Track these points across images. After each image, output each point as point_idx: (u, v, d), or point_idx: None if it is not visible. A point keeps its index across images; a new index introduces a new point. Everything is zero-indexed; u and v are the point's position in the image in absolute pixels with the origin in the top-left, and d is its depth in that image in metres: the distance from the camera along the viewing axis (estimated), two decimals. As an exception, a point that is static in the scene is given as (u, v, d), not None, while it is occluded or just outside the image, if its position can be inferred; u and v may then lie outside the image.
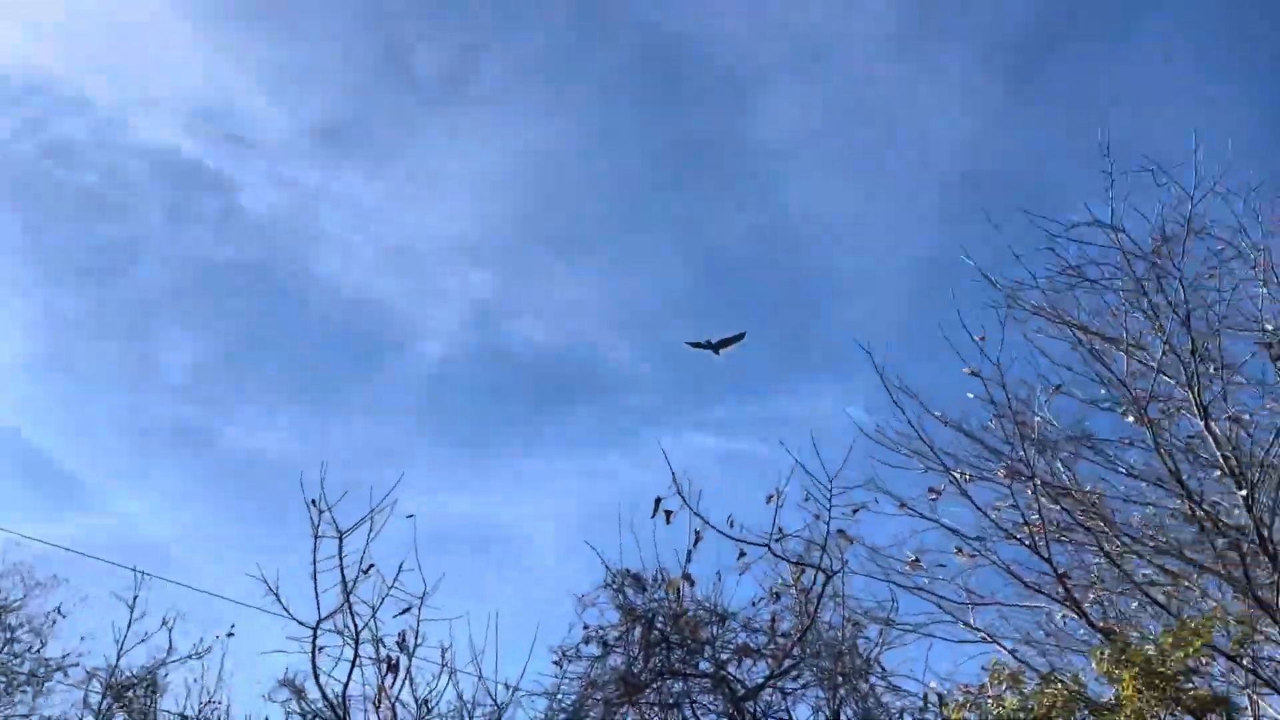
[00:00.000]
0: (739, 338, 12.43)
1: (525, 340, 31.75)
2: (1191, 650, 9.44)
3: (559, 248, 32.62)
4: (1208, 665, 10.16)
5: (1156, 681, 9.33)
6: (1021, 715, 9.96)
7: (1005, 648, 11.82)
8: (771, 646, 11.94)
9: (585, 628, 12.09)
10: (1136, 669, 9.35)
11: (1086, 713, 9.92)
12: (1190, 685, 9.49)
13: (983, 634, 12.21)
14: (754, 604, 12.12)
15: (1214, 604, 11.09)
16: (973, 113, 28.78)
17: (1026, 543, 11.70)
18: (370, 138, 30.11)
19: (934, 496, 12.51)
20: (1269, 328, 12.18)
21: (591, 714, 11.95)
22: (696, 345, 12.30)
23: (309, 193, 30.64)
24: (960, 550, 12.16)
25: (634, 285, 32.50)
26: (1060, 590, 11.68)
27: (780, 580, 12.09)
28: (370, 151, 30.29)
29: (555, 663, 11.96)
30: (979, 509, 12.12)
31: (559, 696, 12.10)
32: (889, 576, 12.34)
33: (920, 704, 11.37)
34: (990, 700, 10.05)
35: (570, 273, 31.85)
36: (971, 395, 12.61)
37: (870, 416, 12.59)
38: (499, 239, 32.37)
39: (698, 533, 12.02)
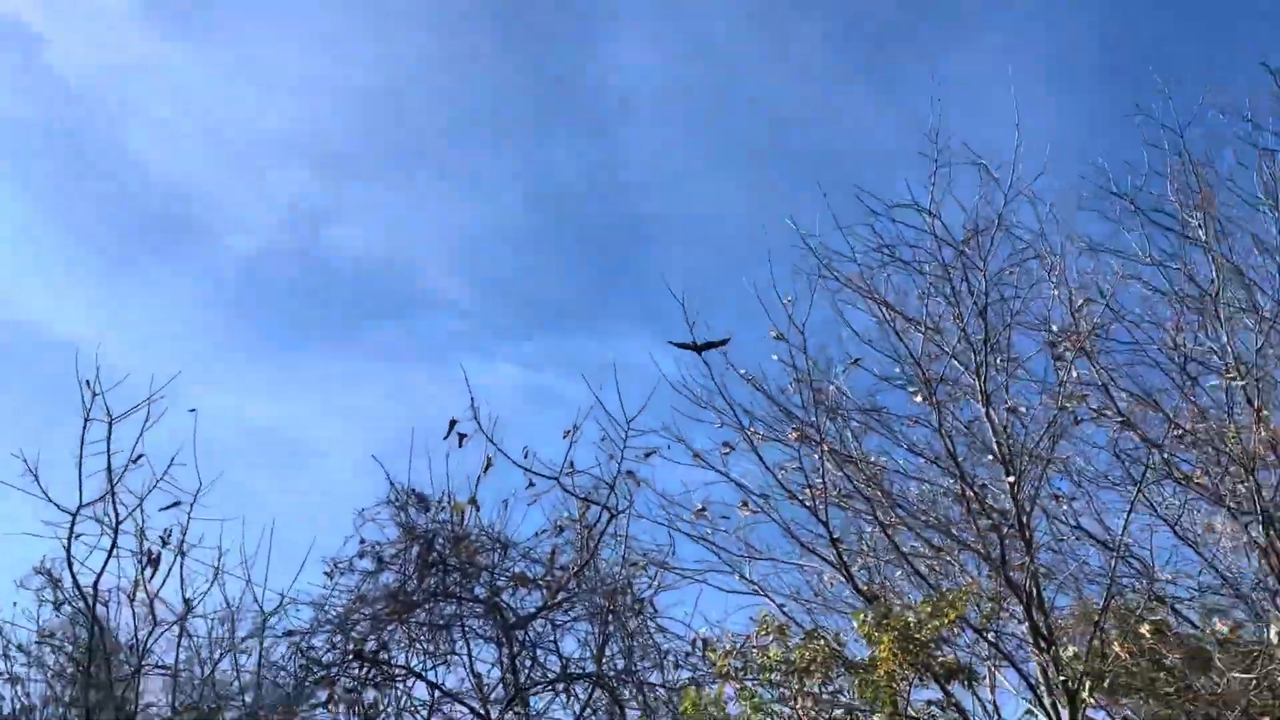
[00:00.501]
0: (723, 342, 12.41)
1: (344, 249, 30.66)
2: (946, 621, 10.01)
3: (390, 161, 31.56)
4: (957, 636, 10.78)
5: (911, 647, 9.87)
6: (783, 666, 10.36)
7: (775, 602, 12.29)
8: (548, 578, 12.03)
9: (362, 542, 11.87)
10: (895, 633, 9.83)
11: (843, 669, 10.39)
12: (940, 653, 10.06)
13: (755, 587, 12.65)
14: (537, 535, 12.19)
15: (970, 579, 11.78)
16: (819, 84, 29.32)
17: (807, 505, 12.11)
18: (207, 13, 28.10)
19: (726, 451, 12.83)
20: (1054, 328, 12.89)
21: (358, 628, 11.76)
22: (679, 345, 12.20)
23: (130, 63, 28.41)
24: (745, 505, 12.49)
25: (462, 209, 31.85)
26: (833, 553, 12.17)
27: (566, 515, 12.19)
28: (203, 29, 28.30)
29: (327, 574, 11.70)
30: (767, 468, 12.50)
31: (325, 608, 11.85)
32: (673, 523, 12.60)
33: (688, 647, 11.70)
34: (755, 650, 10.39)
35: (398, 187, 30.87)
36: (776, 357, 12.92)
37: (676, 366, 12.74)
38: (329, 143, 30.98)
39: (489, 459, 11.95)
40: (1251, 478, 10.99)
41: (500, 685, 11.55)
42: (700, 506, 12.76)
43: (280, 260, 31.99)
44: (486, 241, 30.76)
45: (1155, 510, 12.60)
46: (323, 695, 11.04)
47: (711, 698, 11.01)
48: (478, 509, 12.01)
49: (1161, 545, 12.59)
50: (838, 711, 10.55)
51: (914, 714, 10.63)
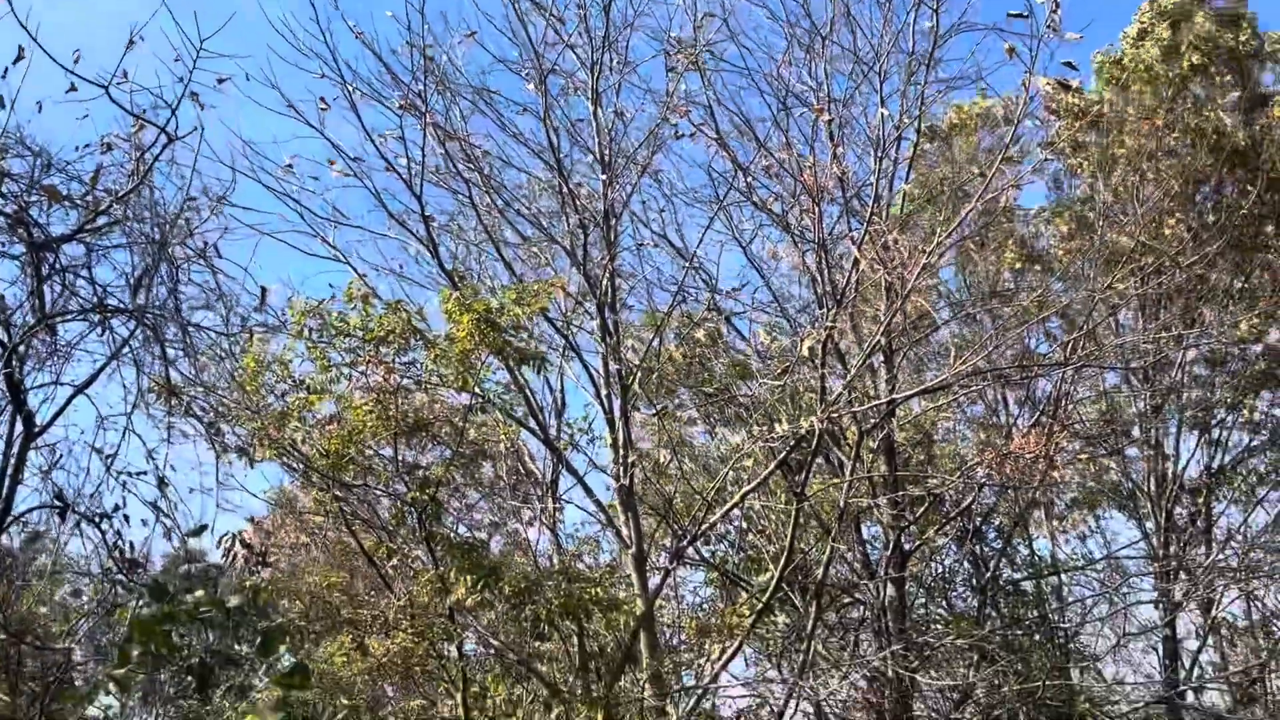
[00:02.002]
0: None
1: None
2: (528, 311, 10.41)
3: None
4: (534, 325, 11.26)
5: (489, 330, 10.18)
6: (361, 334, 10.38)
7: (357, 271, 12.08)
8: (88, 198, 11.08)
9: None
10: (476, 316, 10.09)
11: (421, 342, 10.60)
12: (518, 339, 10.50)
13: (338, 253, 12.39)
14: (79, 149, 11.05)
15: (555, 274, 12.27)
16: None
17: (403, 176, 11.90)
18: None
19: (324, 107, 12.13)
20: (673, 38, 13.08)
21: None
22: None
23: None
24: (334, 163, 11.99)
25: None
26: (423, 230, 12.15)
27: (118, 134, 11.12)
28: None
29: None
30: (366, 133, 12.03)
31: None
32: (258, 175, 11.88)
33: (255, 300, 11.27)
34: (334, 314, 10.30)
35: None
36: (390, 14, 12.21)
37: (279, 5, 11.69)
38: None
39: (21, 48, 10.48)
40: (816, 209, 12.06)
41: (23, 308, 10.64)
42: (288, 162, 12.08)
43: None
44: None
45: (732, 230, 13.63)
46: None
47: (278, 355, 10.89)
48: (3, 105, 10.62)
49: (732, 264, 13.74)
50: (407, 381, 10.80)
51: (480, 392, 11.16)
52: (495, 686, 12.49)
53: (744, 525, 14.49)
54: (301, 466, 10.90)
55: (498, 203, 12.92)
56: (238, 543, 8.77)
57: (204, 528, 6.21)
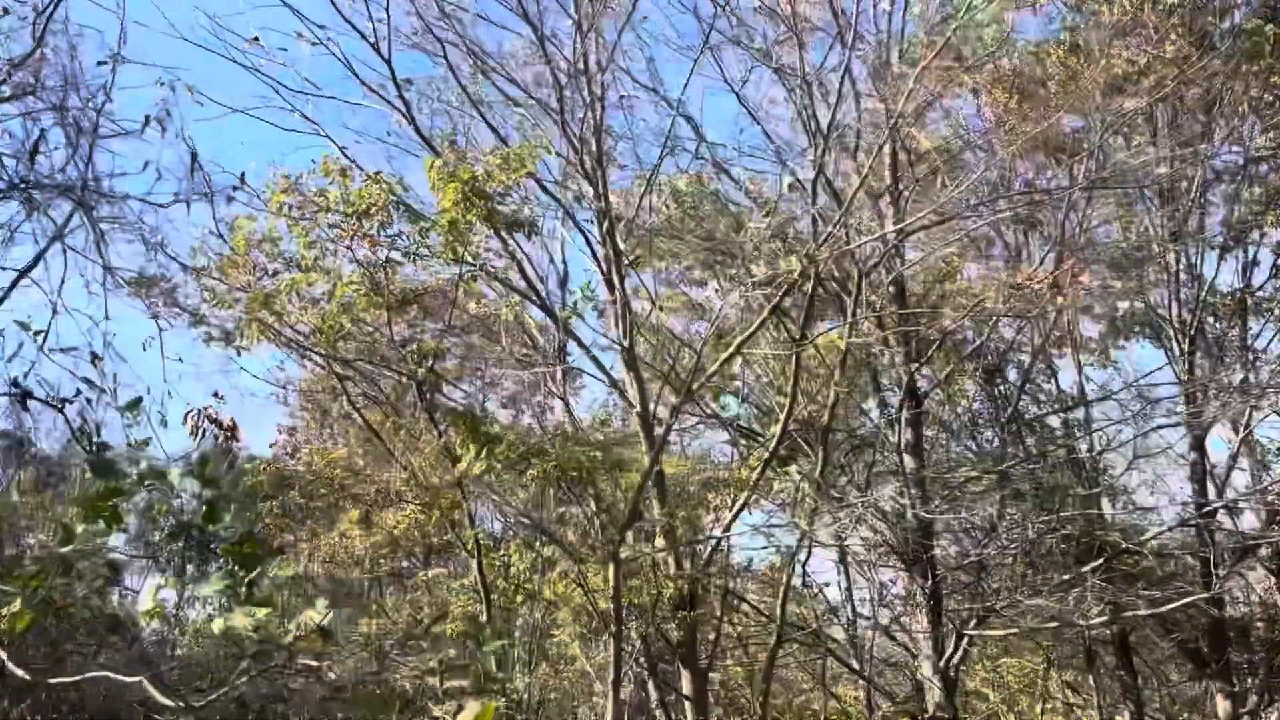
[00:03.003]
0: None
1: None
2: (514, 175, 10.25)
3: None
4: (522, 190, 11.12)
5: (476, 198, 10.06)
6: (343, 207, 10.30)
7: (338, 144, 11.89)
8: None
9: None
10: (461, 183, 9.96)
11: (404, 214, 10.52)
12: (505, 206, 10.39)
13: (317, 127, 12.16)
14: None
15: (543, 134, 12.06)
16: None
17: (371, 42, 11.64)
18: None
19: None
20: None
21: None
22: None
23: None
24: (300, 35, 11.69)
25: None
26: (399, 98, 11.93)
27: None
28: None
29: None
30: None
31: None
32: (231, 56, 11.60)
33: (236, 182, 11.17)
34: (314, 189, 10.20)
35: None
36: None
37: None
38: None
39: None
40: (802, 51, 11.72)
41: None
42: (254, 35, 11.77)
43: None
44: None
45: (722, 74, 13.27)
46: None
47: (266, 234, 10.86)
48: None
49: (725, 113, 13.41)
50: (395, 254, 10.74)
51: (470, 262, 11.10)
52: (516, 555, 12.76)
53: (750, 379, 14.53)
54: (297, 346, 10.92)
55: (477, 64, 12.61)
56: (204, 418, 8.82)
57: (139, 400, 6.21)
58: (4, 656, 6.50)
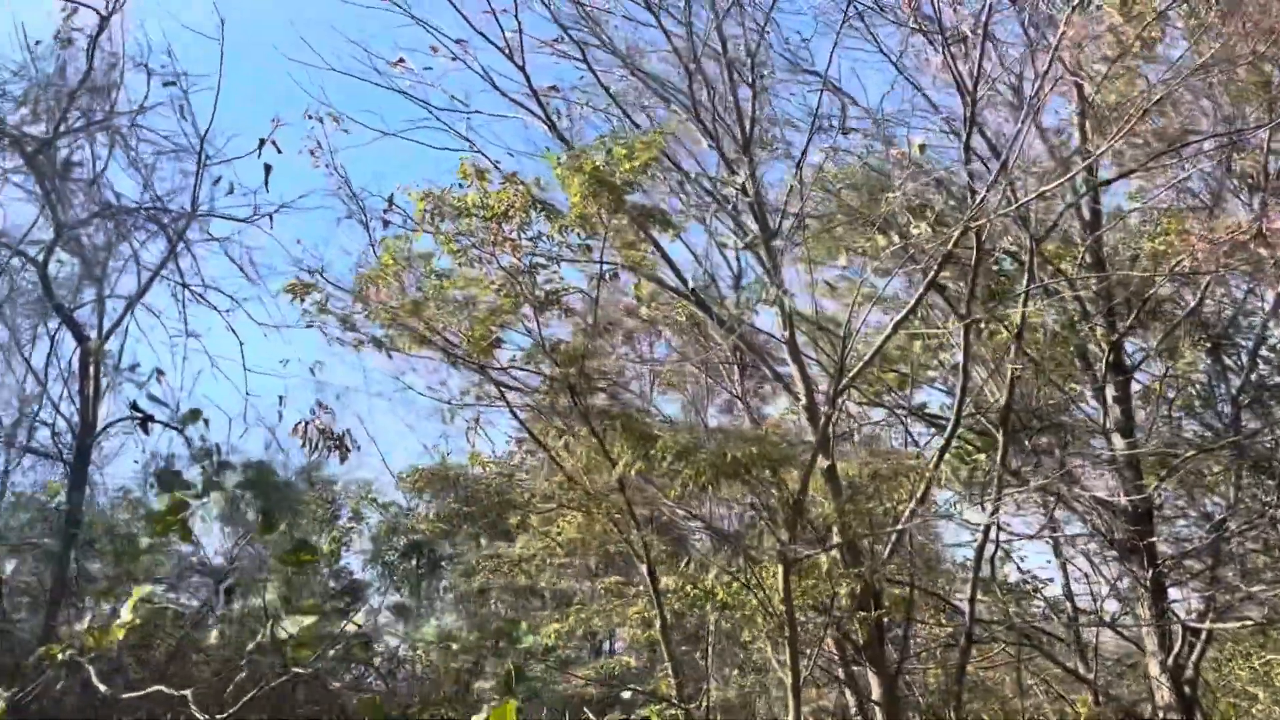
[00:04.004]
0: None
1: None
2: (639, 162, 10.01)
3: None
4: (653, 179, 10.87)
5: (603, 190, 9.88)
6: (482, 211, 10.32)
7: (490, 158, 11.91)
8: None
9: None
10: (586, 176, 9.81)
11: (542, 214, 10.45)
12: (633, 197, 10.18)
13: (470, 142, 12.29)
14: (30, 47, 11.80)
15: (671, 119, 11.79)
16: None
17: (505, 51, 11.69)
18: None
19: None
20: None
21: None
22: None
23: None
24: (436, 49, 11.85)
25: None
26: (536, 104, 11.97)
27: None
28: None
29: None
30: (457, 9, 11.80)
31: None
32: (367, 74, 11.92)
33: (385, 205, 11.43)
34: (451, 195, 10.28)
35: None
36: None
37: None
38: None
39: None
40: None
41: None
42: (399, 58, 12.05)
43: None
44: None
45: (878, 45, 12.64)
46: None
47: (416, 251, 11.02)
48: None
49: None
50: (539, 259, 10.68)
51: (616, 262, 10.95)
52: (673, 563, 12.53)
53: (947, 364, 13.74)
54: (450, 354, 11.01)
55: (624, 62, 12.49)
56: (312, 428, 8.99)
57: (198, 413, 6.30)
58: (92, 671, 6.71)
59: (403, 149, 12.75)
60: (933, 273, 10.78)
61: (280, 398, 11.73)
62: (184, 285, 12.43)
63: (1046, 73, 10.45)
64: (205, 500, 5.40)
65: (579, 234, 10.27)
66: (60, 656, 6.40)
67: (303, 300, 10.31)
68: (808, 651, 11.50)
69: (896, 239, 11.33)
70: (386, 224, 11.57)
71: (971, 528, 11.67)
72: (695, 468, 10.41)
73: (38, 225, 11.44)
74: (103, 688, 6.77)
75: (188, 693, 5.79)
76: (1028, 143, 13.04)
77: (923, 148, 10.04)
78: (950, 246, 10.54)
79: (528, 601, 16.38)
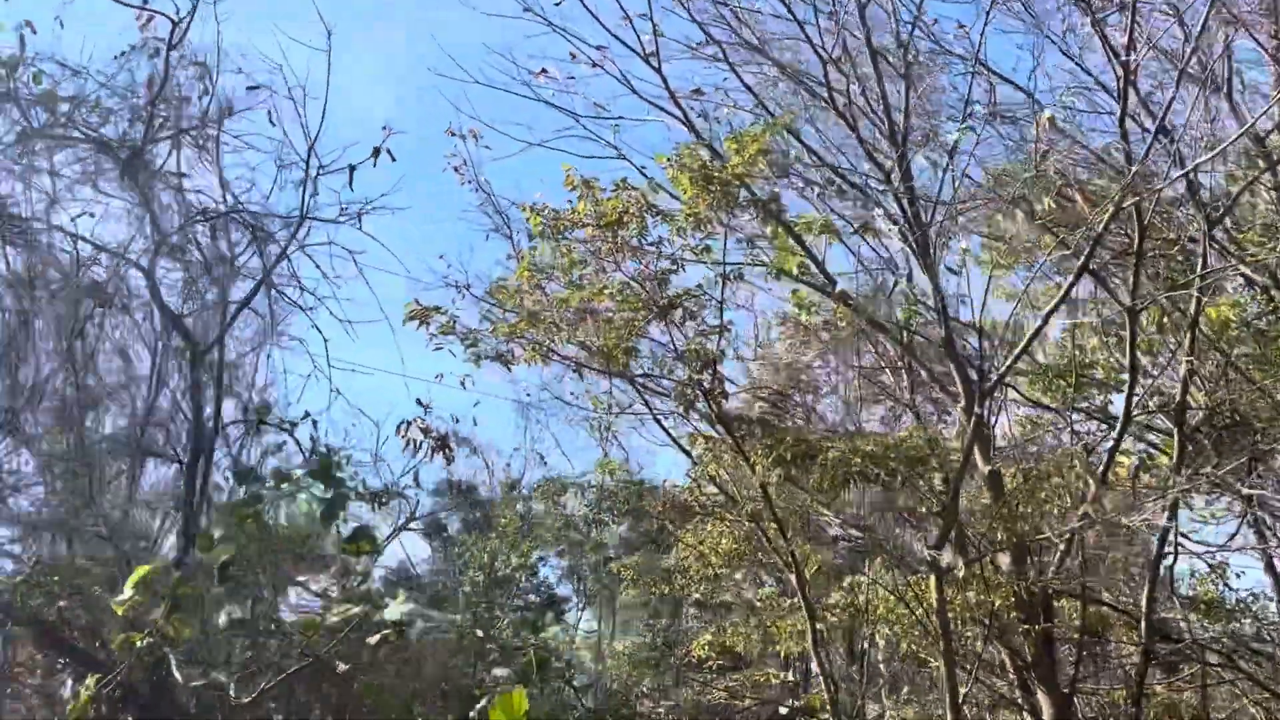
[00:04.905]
0: None
1: None
2: (748, 154, 9.75)
3: None
4: (761, 173, 10.54)
5: (711, 186, 9.70)
6: (594, 220, 10.29)
7: (635, 165, 11.80)
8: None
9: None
10: (692, 173, 9.66)
11: (658, 219, 10.32)
12: (741, 190, 9.93)
13: (619, 151, 12.12)
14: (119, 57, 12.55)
15: (792, 110, 11.43)
16: None
17: (642, 55, 11.65)
18: None
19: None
20: None
21: None
22: None
23: None
24: (575, 55, 11.87)
25: None
26: (676, 106, 11.83)
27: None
28: None
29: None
30: (593, 15, 11.79)
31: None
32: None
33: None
34: (555, 210, 10.31)
35: None
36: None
37: None
38: None
39: None
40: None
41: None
42: (542, 69, 12.17)
43: None
44: None
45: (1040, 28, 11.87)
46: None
47: (551, 262, 11.09)
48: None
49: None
50: (664, 263, 10.54)
51: (740, 262, 10.71)
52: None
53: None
54: (572, 363, 10.99)
55: (757, 58, 12.22)
56: (415, 429, 9.11)
57: (268, 406, 6.52)
58: (173, 661, 7.02)
59: (549, 159, 12.85)
60: (1083, 257, 9.96)
61: (424, 405, 11.97)
62: (312, 294, 13.03)
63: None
64: (279, 491, 5.60)
65: (693, 234, 10.06)
66: (139, 644, 6.78)
67: (426, 325, 10.47)
68: (968, 668, 10.78)
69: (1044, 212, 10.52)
70: (531, 236, 11.70)
71: (1150, 531, 10.60)
72: (823, 469, 10.00)
73: (139, 233, 12.52)
74: (179, 676, 7.13)
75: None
76: (1220, 123, 11.98)
77: (1052, 120, 9.29)
78: (1101, 228, 9.73)
79: (700, 613, 16.26)
